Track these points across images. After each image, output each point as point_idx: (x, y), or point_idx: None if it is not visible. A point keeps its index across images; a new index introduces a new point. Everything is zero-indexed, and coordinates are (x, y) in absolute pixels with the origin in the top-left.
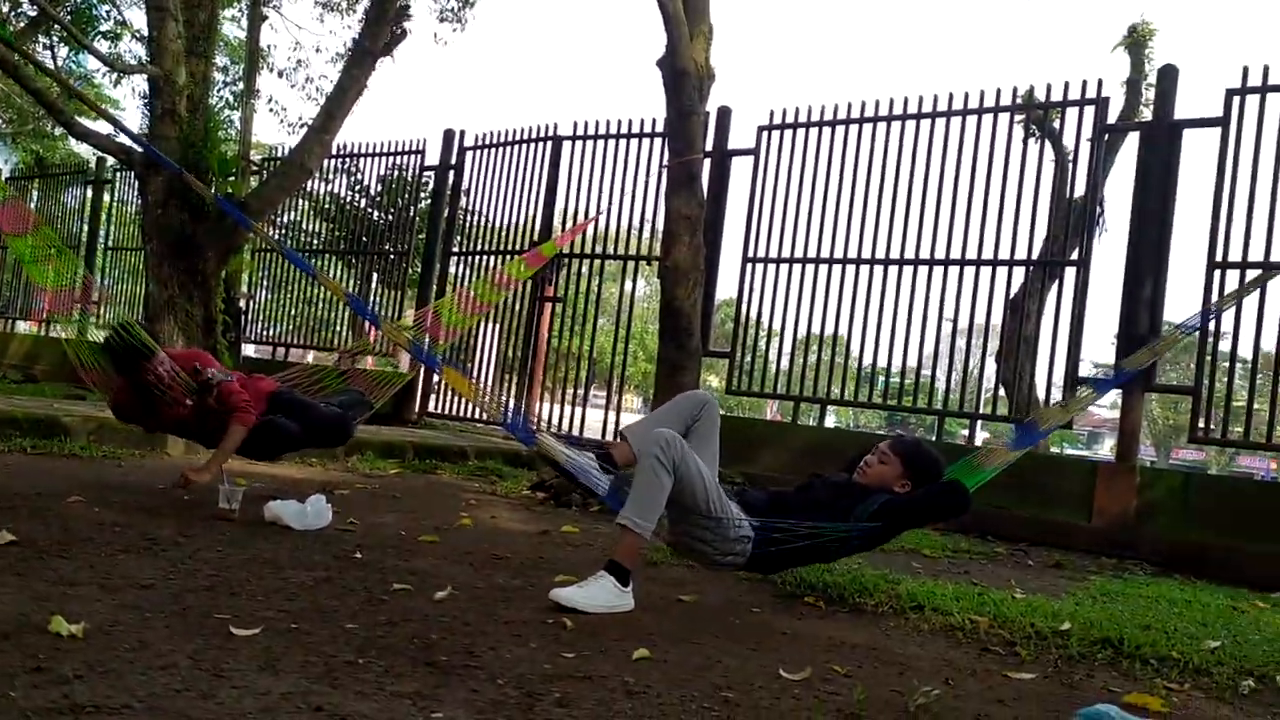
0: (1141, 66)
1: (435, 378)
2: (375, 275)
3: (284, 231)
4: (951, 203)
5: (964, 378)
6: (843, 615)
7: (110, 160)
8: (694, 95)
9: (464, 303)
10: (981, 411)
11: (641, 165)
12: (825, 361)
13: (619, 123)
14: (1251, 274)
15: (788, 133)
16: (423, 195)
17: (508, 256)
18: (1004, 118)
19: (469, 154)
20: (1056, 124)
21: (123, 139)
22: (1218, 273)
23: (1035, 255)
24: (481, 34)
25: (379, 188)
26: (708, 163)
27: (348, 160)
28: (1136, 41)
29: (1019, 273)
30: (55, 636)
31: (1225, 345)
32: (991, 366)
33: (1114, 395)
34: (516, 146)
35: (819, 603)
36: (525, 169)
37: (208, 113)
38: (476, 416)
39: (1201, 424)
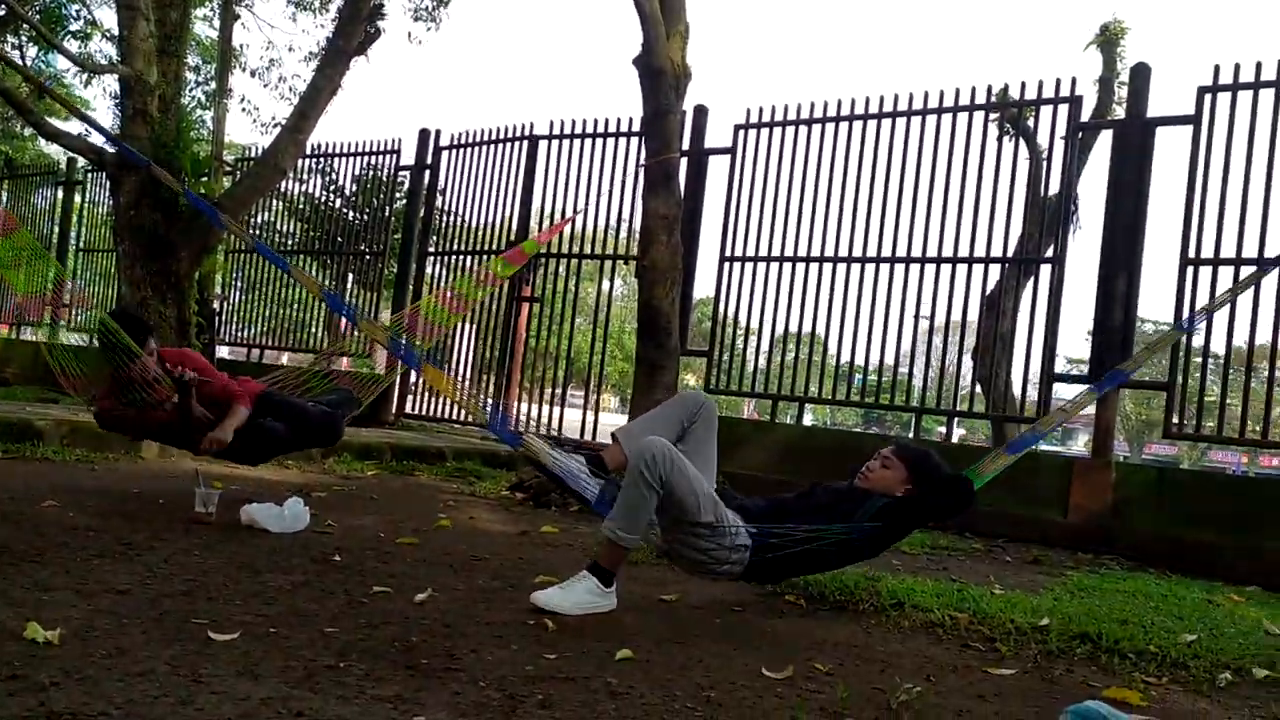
0: (1114, 65)
1: (413, 378)
2: (351, 275)
3: (258, 232)
4: (927, 201)
5: (941, 375)
6: (824, 613)
7: (81, 161)
8: (670, 94)
9: (447, 300)
10: (958, 409)
11: (618, 164)
12: (803, 360)
13: (595, 122)
14: (1224, 270)
15: (764, 131)
16: (398, 195)
17: (484, 256)
18: (979, 116)
19: (444, 153)
20: (1030, 122)
21: (94, 139)
22: (1190, 269)
23: (1010, 253)
24: (456, 33)
25: (354, 188)
26: (684, 162)
27: (322, 160)
28: (1109, 40)
29: (995, 270)
30: (30, 643)
31: (1198, 341)
32: (968, 364)
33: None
34: (492, 146)
35: (800, 601)
36: (501, 168)
37: (180, 112)
38: (454, 417)
39: (1175, 419)
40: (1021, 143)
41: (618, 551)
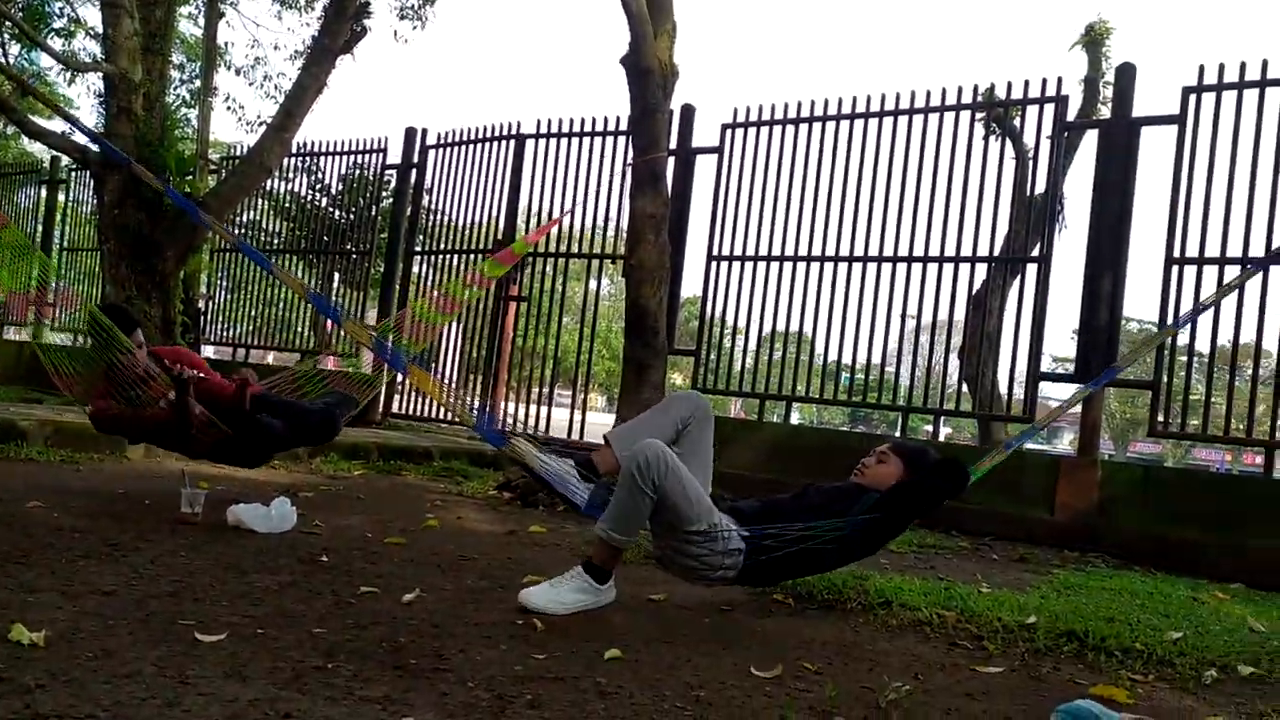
0: (1099, 65)
1: (400, 378)
2: (337, 275)
3: (243, 231)
4: (914, 200)
5: (927, 374)
6: (812, 613)
7: (65, 160)
8: (658, 93)
9: (436, 301)
10: (945, 407)
11: (606, 164)
12: (790, 359)
13: (582, 121)
14: (1209, 269)
15: (751, 130)
16: (384, 194)
17: (471, 256)
18: (965, 115)
19: (431, 152)
20: (1017, 122)
21: (78, 137)
22: (1175, 268)
23: (997, 252)
24: (443, 32)
25: (340, 186)
26: (672, 161)
27: (308, 159)
28: (1094, 40)
29: (981, 269)
30: (16, 645)
31: (1183, 339)
32: (955, 362)
33: (1073, 390)
34: (479, 145)
35: (789, 600)
36: (488, 167)
37: (164, 110)
38: (441, 417)
39: (1160, 417)
40: (1008, 142)
41: (611, 551)
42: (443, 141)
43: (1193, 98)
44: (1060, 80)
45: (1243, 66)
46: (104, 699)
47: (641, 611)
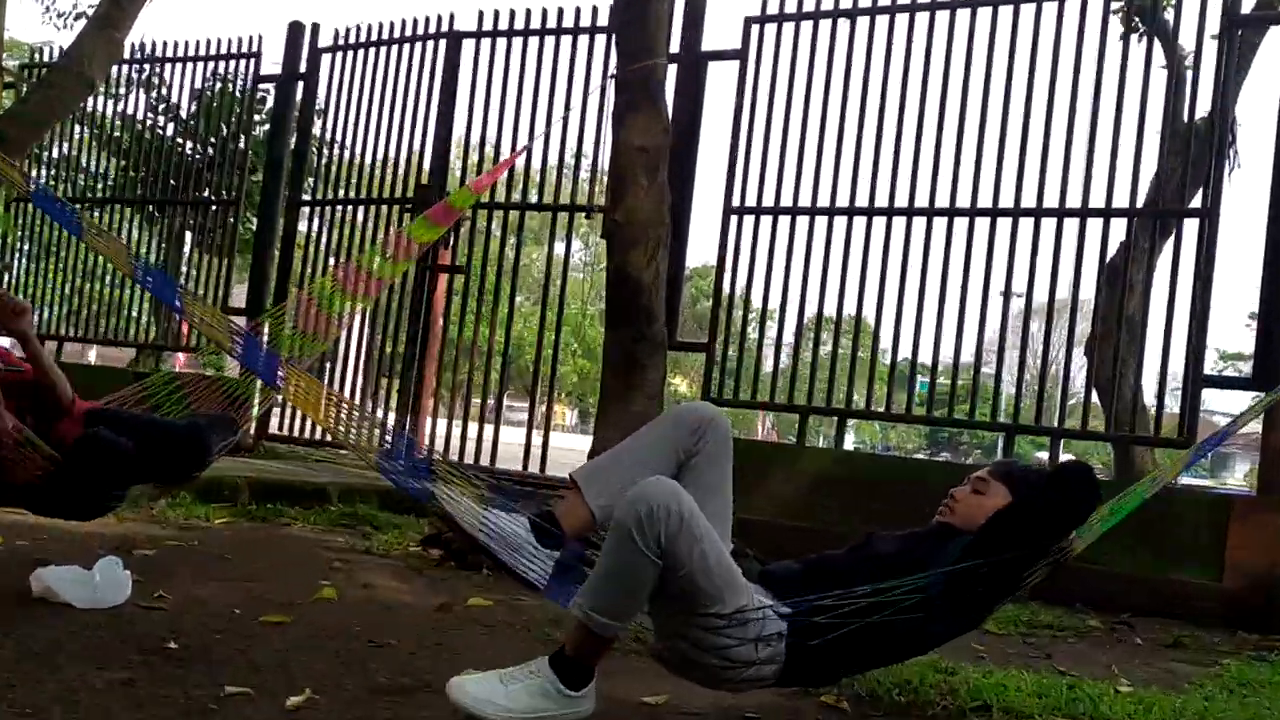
0: None
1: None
2: (190, 234)
3: (52, 171)
4: (1022, 127)
5: (1041, 378)
6: None
7: None
8: None
9: (348, 279)
10: (1066, 426)
11: (578, 75)
12: (844, 356)
13: (544, 13)
14: None
15: (789, 26)
16: (258, 119)
17: (384, 208)
18: (1096, 5)
19: (325, 58)
20: (1169, 15)
21: None
22: None
23: (1140, 203)
24: None
25: (193, 108)
26: (674, 71)
27: (147, 67)
28: None
29: (1118, 228)
30: None
31: None
32: (1079, 361)
33: (1250, 399)
34: (395, 47)
35: (842, 704)
36: (409, 81)
37: None
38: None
39: None
40: (1156, 44)
41: (594, 641)
42: (343, 43)
43: None
44: None
45: None
46: None
47: None
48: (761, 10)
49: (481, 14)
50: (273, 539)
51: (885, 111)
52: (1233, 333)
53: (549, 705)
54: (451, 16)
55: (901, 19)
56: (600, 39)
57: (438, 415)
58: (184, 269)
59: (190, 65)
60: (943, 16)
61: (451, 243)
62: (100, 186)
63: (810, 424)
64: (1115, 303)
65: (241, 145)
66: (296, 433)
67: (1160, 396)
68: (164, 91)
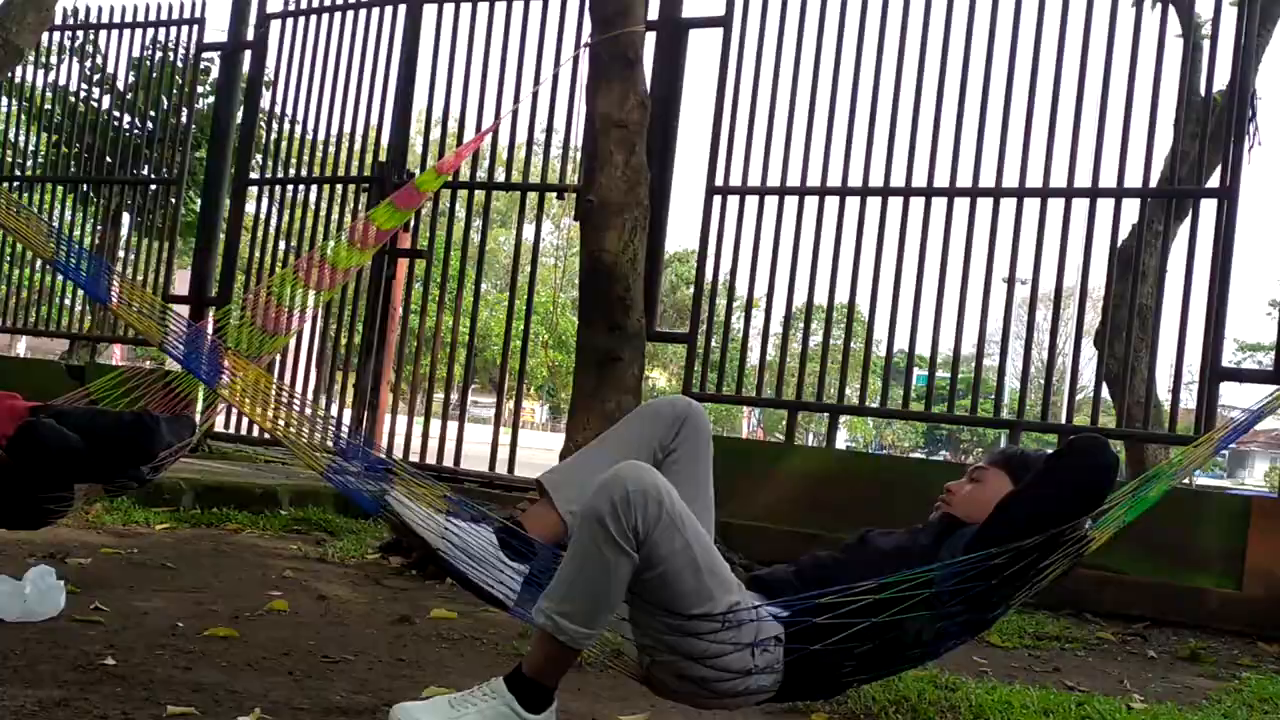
0: None
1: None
2: (128, 215)
3: None
4: (1027, 102)
5: (1047, 371)
6: None
7: None
8: None
9: (308, 273)
10: (1073, 422)
11: (549, 42)
12: (836, 348)
13: None
14: None
15: None
16: (202, 91)
17: (339, 187)
18: None
19: (274, 25)
20: None
21: None
22: None
23: (1154, 182)
24: None
25: (131, 78)
26: (654, 39)
27: (80, 34)
28: None
29: (1130, 209)
30: None
31: None
32: (1088, 352)
33: (1268, 392)
34: (351, 13)
35: None
36: (366, 49)
37: None
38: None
39: None
40: (1171, 11)
41: (560, 653)
42: (294, 8)
43: None
44: None
45: None
46: None
47: None
48: None
49: None
50: (219, 546)
51: (880, 83)
52: (1252, 321)
53: None
54: None
55: None
56: (573, 4)
57: (396, 411)
58: (121, 253)
59: (128, 32)
60: None
61: (412, 225)
62: (30, 164)
63: (799, 421)
64: (1127, 290)
65: (184, 119)
66: (245, 431)
67: (1175, 390)
68: (99, 61)
